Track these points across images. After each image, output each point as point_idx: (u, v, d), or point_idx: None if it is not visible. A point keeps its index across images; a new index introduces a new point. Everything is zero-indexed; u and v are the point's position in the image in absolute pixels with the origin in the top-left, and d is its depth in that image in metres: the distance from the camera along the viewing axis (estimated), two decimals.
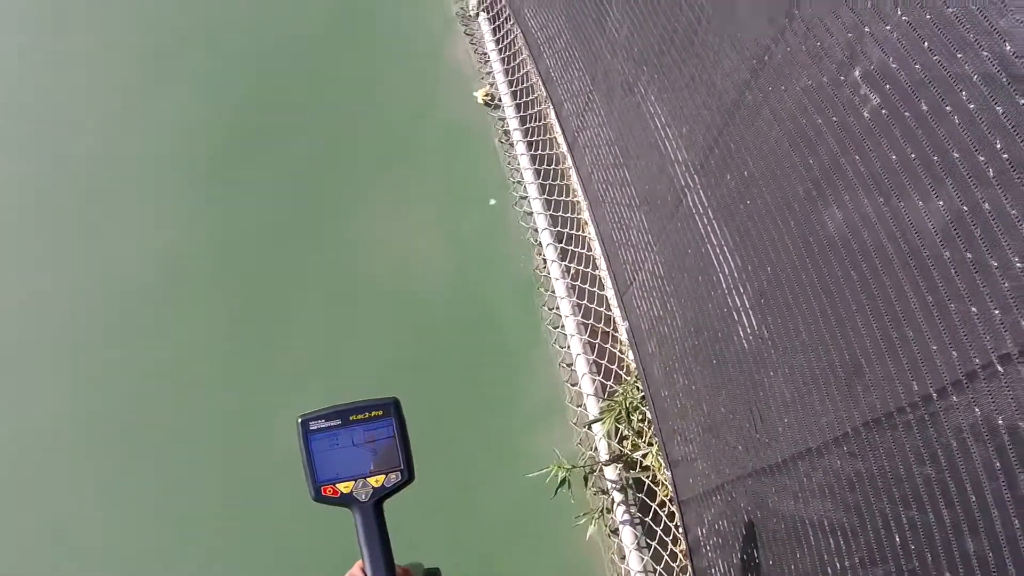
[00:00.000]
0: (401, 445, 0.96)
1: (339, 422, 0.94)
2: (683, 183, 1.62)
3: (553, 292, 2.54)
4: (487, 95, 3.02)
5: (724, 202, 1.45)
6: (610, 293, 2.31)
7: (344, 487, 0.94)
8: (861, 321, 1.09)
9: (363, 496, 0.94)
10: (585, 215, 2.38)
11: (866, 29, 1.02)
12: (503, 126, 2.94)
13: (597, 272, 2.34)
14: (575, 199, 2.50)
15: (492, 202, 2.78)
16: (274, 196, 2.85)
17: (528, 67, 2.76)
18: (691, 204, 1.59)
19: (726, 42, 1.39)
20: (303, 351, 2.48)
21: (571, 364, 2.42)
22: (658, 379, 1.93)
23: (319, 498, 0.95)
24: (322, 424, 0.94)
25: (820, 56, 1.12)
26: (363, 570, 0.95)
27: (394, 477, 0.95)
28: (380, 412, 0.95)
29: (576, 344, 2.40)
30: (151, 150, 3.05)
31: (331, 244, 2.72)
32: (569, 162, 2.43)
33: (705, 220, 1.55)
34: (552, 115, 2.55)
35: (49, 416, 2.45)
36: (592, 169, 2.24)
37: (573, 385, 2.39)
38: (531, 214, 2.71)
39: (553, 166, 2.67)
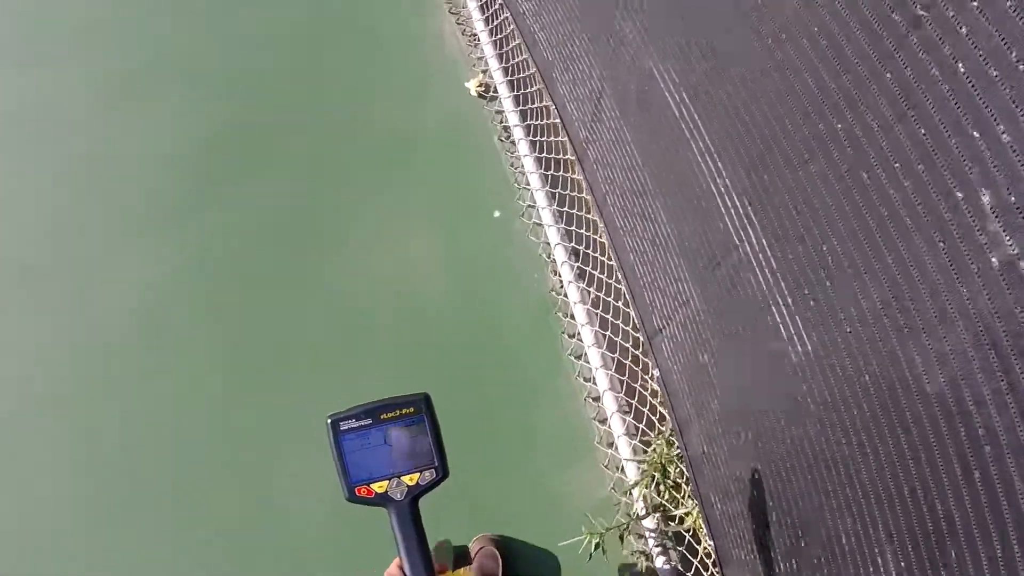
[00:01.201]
0: (434, 442, 0.94)
1: (370, 421, 0.92)
2: (735, 226, 1.32)
3: (572, 317, 2.27)
4: (481, 85, 2.66)
5: (793, 266, 1.16)
6: (636, 316, 2.05)
7: (378, 487, 0.92)
8: (964, 482, 0.83)
9: (398, 495, 0.92)
10: (604, 237, 2.08)
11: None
12: (502, 121, 2.60)
13: (621, 304, 2.06)
14: (592, 216, 2.19)
15: (496, 214, 2.48)
16: (256, 218, 2.59)
17: (525, 55, 2.39)
18: (745, 256, 1.29)
19: (797, 63, 1.07)
20: (300, 384, 2.28)
21: (598, 399, 2.19)
22: (696, 446, 1.69)
23: (353, 499, 0.93)
24: (352, 424, 0.92)
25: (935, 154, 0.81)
26: (401, 568, 0.93)
27: (428, 475, 0.94)
28: (411, 409, 0.93)
29: (603, 379, 2.16)
30: (139, 151, 2.80)
31: (325, 270, 2.47)
32: (580, 174, 2.11)
33: (763, 276, 1.26)
34: (556, 114, 2.21)
35: (39, 422, 2.33)
36: (608, 191, 1.93)
37: (602, 423, 2.17)
38: (541, 226, 2.41)
39: (563, 172, 2.35)
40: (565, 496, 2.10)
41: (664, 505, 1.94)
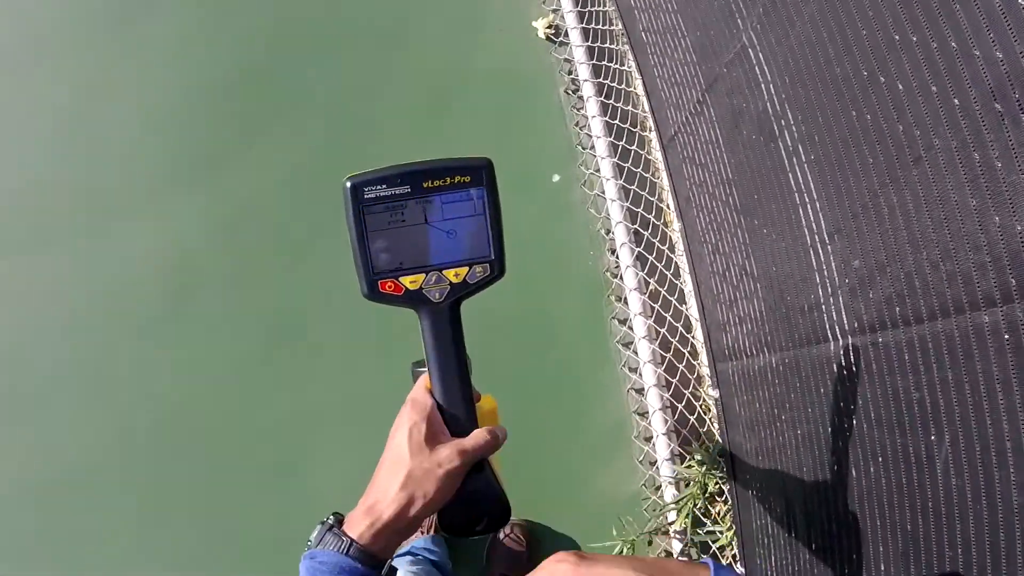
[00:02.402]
0: (492, 226, 0.70)
1: (407, 189, 0.67)
2: (831, 319, 1.19)
3: (625, 303, 2.16)
4: (551, 27, 2.36)
5: (899, 389, 1.05)
6: (698, 333, 1.94)
7: (410, 281, 0.71)
8: None
9: (436, 295, 0.71)
10: (680, 237, 1.92)
11: None
12: (571, 72, 2.34)
13: (684, 309, 1.94)
14: (664, 206, 2.02)
15: (556, 178, 2.29)
16: (280, 173, 2.38)
17: (608, 4, 2.10)
18: (840, 359, 1.17)
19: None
20: (331, 363, 2.18)
21: (641, 391, 2.12)
22: (744, 477, 1.63)
23: (374, 295, 0.71)
24: (382, 191, 0.67)
25: None
26: (430, 390, 0.75)
27: (480, 270, 0.71)
28: (467, 178, 0.69)
29: (649, 374, 2.07)
30: (142, 85, 2.54)
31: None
32: (659, 159, 1.92)
33: (860, 379, 1.15)
34: (640, 84, 1.97)
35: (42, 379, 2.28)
36: (692, 189, 1.75)
37: (642, 416, 2.12)
38: (603, 198, 2.23)
39: (635, 148, 2.13)
40: (595, 486, 2.08)
41: (698, 516, 1.93)
